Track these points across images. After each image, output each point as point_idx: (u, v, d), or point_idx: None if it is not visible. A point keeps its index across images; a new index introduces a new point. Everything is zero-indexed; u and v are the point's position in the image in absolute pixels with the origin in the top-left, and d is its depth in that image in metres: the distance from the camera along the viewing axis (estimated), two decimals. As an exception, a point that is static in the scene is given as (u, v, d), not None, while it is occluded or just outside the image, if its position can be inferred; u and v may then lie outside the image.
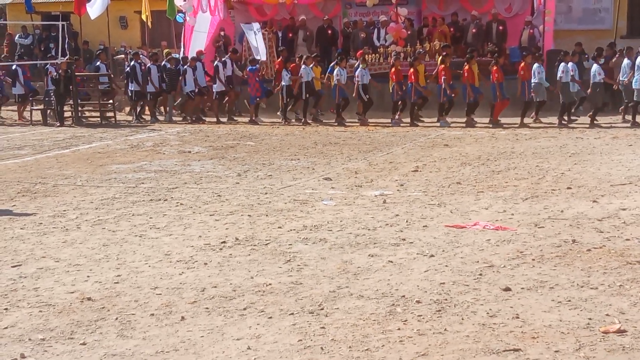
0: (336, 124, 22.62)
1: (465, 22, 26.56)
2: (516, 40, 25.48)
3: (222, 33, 27.07)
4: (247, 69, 23.82)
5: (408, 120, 22.18)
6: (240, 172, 14.76)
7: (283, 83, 23.14)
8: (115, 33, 29.37)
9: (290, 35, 26.89)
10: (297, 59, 23.77)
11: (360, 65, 22.47)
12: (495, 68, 21.42)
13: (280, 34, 26.97)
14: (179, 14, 26.16)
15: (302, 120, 23.06)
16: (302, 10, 28.16)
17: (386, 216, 10.54)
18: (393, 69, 22.17)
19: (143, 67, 24.50)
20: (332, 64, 23.49)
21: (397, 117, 22.28)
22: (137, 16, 30.09)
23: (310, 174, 14.41)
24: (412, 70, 21.92)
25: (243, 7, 28.86)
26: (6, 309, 7.12)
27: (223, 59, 24.19)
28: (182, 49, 26.21)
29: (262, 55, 24.89)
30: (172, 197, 12.34)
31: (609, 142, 17.62)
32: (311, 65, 22.97)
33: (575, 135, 18.84)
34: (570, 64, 20.90)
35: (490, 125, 21.30)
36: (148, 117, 24.92)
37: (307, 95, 22.96)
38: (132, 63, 24.54)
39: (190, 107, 24.44)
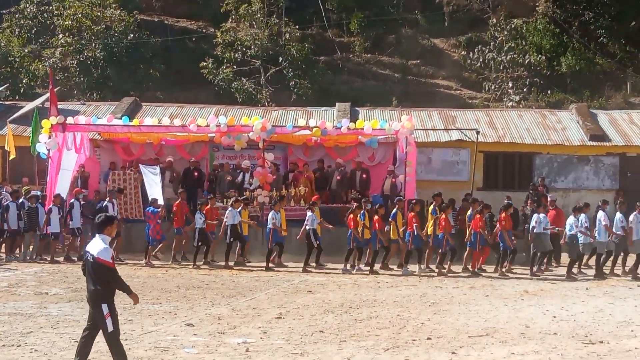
0: (264, 269, 22.25)
1: (330, 169, 27.29)
2: (379, 189, 26.26)
3: (79, 169, 26.60)
4: (149, 211, 23.37)
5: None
6: (100, 316, 14.32)
7: (197, 226, 22.83)
8: (-26, 168, 28.67)
9: (156, 175, 26.81)
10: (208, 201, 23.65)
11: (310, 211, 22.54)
12: (479, 216, 21.79)
13: (146, 174, 26.84)
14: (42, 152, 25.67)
15: (225, 264, 22.60)
16: (170, 151, 28.31)
17: (248, 366, 10.41)
18: (412, 213, 22.10)
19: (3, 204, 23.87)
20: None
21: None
22: (-1, 151, 29.51)
23: (173, 319, 14.16)
24: (412, 214, 22.03)
25: (109, 145, 28.76)
26: None
27: (113, 200, 23.84)
28: (44, 186, 25.68)
29: (159, 198, 24.41)
30: (26, 343, 11.84)
31: (467, 292, 18.13)
32: (239, 209, 22.83)
33: (435, 284, 19.31)
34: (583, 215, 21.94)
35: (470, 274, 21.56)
36: (3, 256, 24.01)
37: (232, 240, 22.67)
38: (-10, 199, 23.89)
39: (54, 248, 23.73)
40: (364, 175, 26.59)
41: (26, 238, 23.94)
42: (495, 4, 48.77)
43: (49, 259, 23.43)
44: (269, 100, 41.57)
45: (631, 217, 21.82)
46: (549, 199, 24.78)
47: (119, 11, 43.67)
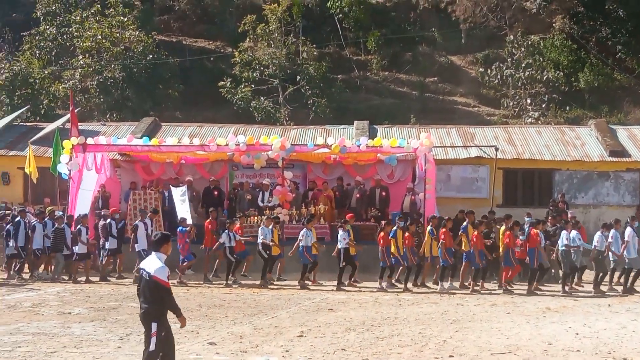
0: (299, 287, 22.12)
1: (350, 187, 27.32)
2: (398, 206, 26.26)
3: (100, 189, 26.73)
4: (178, 230, 23.32)
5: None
6: (123, 335, 14.40)
7: (225, 244, 22.80)
8: (-4, 188, 28.97)
9: (177, 195, 26.89)
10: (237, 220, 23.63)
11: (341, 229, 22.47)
12: (509, 233, 21.67)
13: (166, 194, 26.92)
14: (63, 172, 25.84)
15: (260, 283, 22.47)
16: (189, 170, 28.43)
17: (272, 385, 10.43)
18: (444, 229, 22.20)
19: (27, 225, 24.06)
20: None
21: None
22: (20, 172, 29.78)
23: (195, 338, 14.20)
24: (443, 230, 22.11)
25: (130, 165, 28.95)
26: None
27: (145, 220, 23.90)
28: (66, 207, 25.83)
29: (188, 217, 24.39)
30: (50, 363, 11.92)
31: (488, 309, 18.09)
32: (270, 227, 22.84)
33: (456, 302, 19.27)
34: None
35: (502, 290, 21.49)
36: (27, 276, 24.14)
37: (268, 254, 22.65)
38: (17, 219, 24.04)
39: (75, 268, 23.83)
40: (384, 193, 26.60)
41: (57, 258, 24.09)
42: (512, 21, 48.85)
43: (82, 278, 23.50)
44: (287, 119, 41.75)
45: None
46: (569, 215, 24.71)
47: (137, 32, 44.02)
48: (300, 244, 22.37)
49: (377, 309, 18.06)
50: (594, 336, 14.51)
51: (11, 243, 23.72)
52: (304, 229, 22.51)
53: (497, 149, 29.19)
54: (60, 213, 24.85)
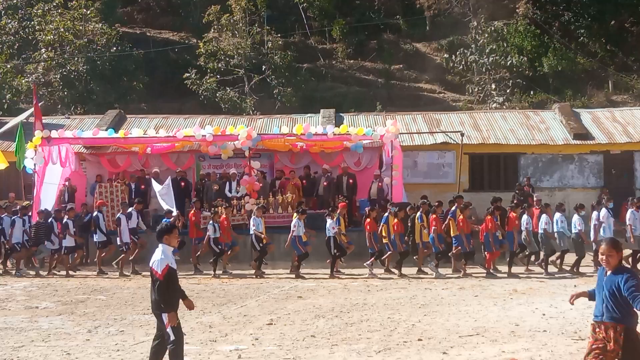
0: (294, 276, 21.91)
1: (317, 175, 27.35)
2: (366, 193, 26.34)
3: (66, 183, 26.58)
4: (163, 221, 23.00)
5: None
6: (91, 328, 14.34)
7: (210, 235, 22.71)
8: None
9: (143, 187, 26.74)
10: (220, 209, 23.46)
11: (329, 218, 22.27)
12: (489, 217, 21.74)
13: (133, 186, 26.81)
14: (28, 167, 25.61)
15: (255, 273, 22.32)
16: (156, 161, 28.26)
17: (241, 372, 10.44)
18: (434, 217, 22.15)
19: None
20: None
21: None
22: (-16, 166, 29.42)
23: (164, 329, 14.15)
24: (434, 216, 22.04)
25: (95, 158, 28.76)
26: None
27: (128, 211, 23.68)
28: (31, 201, 25.59)
29: (172, 207, 24.15)
30: (17, 357, 11.83)
31: (456, 292, 18.22)
32: (261, 217, 22.76)
33: (424, 286, 19.38)
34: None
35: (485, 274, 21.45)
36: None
37: (261, 246, 22.51)
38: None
39: (66, 261, 23.67)
40: (351, 181, 26.64)
41: (38, 252, 23.93)
42: (475, 7, 49.06)
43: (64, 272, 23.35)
44: (253, 108, 41.67)
45: (627, 215, 21.96)
46: (535, 198, 24.92)
47: (100, 24, 43.72)
48: (293, 234, 22.31)
49: (345, 295, 18.12)
50: (560, 316, 14.68)
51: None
52: (296, 219, 22.43)
53: (462, 135, 29.35)
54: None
